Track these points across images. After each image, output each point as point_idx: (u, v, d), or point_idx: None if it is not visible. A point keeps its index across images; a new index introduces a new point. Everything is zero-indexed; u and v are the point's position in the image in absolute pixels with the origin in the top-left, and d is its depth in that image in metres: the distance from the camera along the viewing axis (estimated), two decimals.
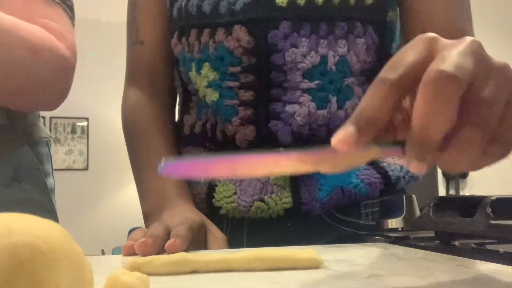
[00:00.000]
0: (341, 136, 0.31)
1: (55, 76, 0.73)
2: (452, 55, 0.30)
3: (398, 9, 0.68)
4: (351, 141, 0.31)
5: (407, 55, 0.32)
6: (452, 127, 0.30)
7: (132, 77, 0.75)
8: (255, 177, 0.62)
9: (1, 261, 0.19)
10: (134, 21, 0.74)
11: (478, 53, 0.31)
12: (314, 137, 0.62)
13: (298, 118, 0.61)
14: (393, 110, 0.31)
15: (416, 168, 0.30)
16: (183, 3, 0.66)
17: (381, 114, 0.31)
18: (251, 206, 0.62)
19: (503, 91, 0.30)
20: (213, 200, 0.64)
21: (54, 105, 0.77)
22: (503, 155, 0.31)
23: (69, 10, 0.80)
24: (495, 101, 0.30)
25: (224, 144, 0.65)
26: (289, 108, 0.61)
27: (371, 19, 0.63)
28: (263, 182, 0.62)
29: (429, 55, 0.31)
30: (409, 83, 0.30)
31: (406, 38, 0.68)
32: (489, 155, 0.31)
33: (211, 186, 0.65)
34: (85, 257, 0.23)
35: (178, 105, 0.75)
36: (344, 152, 0.31)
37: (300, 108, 0.61)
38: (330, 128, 0.62)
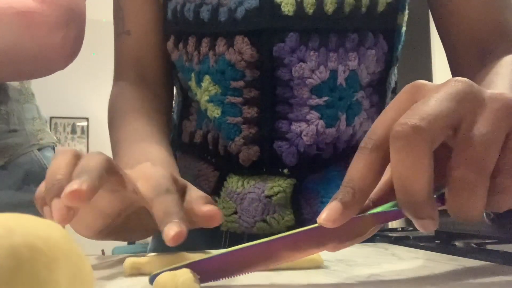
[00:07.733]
0: (326, 215, 0.31)
1: (24, 36, 0.67)
2: (420, 105, 0.29)
3: (429, 8, 0.65)
4: (337, 217, 0.31)
5: (387, 113, 0.31)
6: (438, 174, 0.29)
7: (120, 71, 0.69)
8: (256, 197, 0.58)
9: (1, 261, 0.19)
10: (120, 10, 0.68)
11: (460, 92, 0.30)
12: (319, 157, 0.59)
13: (305, 138, 0.57)
14: (379, 173, 0.31)
15: (422, 227, 0.30)
16: (179, 6, 0.61)
17: (364, 183, 0.31)
18: (253, 226, 0.59)
19: (497, 124, 0.29)
20: None
21: (56, 65, 0.73)
22: None
23: None
24: (486, 137, 0.28)
25: (227, 160, 0.61)
26: (295, 126, 0.57)
27: (383, 28, 0.59)
28: (265, 203, 0.58)
29: (409, 108, 0.30)
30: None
31: (442, 37, 0.65)
32: (500, 191, 0.29)
33: None
34: (85, 257, 0.23)
35: (177, 107, 0.71)
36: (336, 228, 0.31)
37: (307, 127, 0.57)
38: (337, 147, 0.60)
